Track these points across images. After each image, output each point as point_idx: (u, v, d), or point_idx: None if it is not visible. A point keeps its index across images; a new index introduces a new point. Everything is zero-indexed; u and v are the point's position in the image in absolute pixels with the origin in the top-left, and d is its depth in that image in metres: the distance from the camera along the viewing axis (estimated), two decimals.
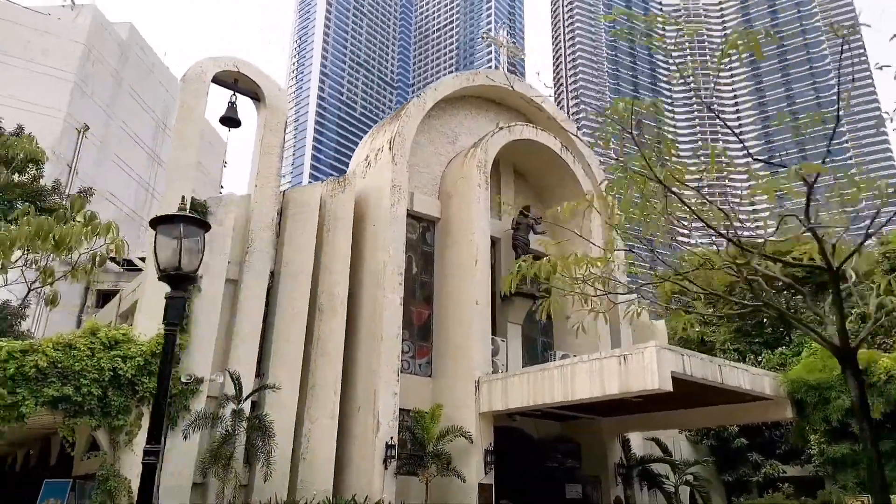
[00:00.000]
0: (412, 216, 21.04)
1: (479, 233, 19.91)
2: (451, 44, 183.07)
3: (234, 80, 19.86)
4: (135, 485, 14.49)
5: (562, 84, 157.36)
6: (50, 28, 36.78)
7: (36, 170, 22.43)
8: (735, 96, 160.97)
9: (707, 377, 14.82)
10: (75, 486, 16.13)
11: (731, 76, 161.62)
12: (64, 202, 23.79)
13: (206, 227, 6.16)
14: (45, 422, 14.70)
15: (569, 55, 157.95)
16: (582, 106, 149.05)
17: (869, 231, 5.82)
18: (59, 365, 14.16)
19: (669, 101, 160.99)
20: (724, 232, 6.33)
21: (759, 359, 29.34)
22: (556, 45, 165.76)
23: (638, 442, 22.76)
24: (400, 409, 17.81)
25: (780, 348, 30.51)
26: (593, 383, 15.00)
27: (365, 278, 19.19)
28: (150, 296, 16.28)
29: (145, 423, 15.15)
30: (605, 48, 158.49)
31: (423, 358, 19.97)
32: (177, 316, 5.93)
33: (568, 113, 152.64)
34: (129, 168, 41.18)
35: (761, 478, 24.80)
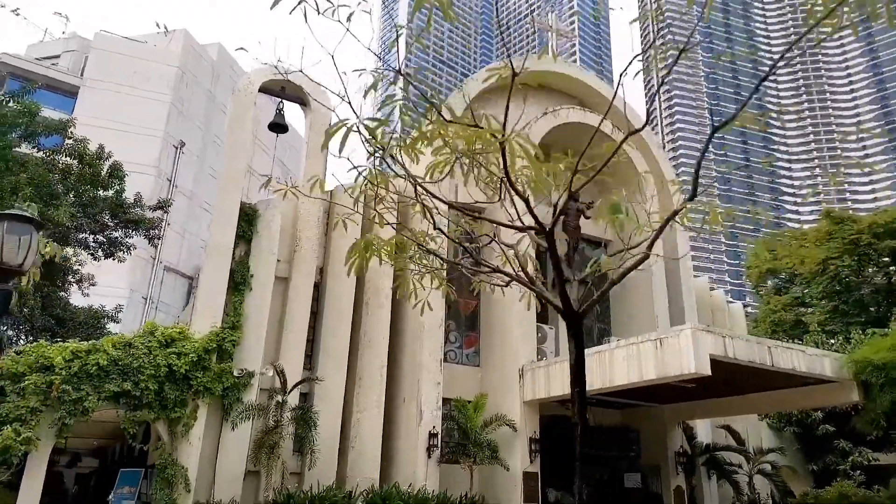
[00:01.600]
0: (456, 208, 21.03)
1: (525, 220, 19.64)
2: (533, 34, 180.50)
3: (282, 88, 20.66)
4: (191, 473, 15.55)
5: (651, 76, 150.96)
6: (146, 55, 39.66)
7: (119, 185, 24.31)
8: (844, 53, 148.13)
9: (754, 360, 13.96)
10: (147, 475, 17.49)
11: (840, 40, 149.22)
12: (146, 212, 25.77)
13: (39, 225, 6.30)
14: (110, 416, 15.98)
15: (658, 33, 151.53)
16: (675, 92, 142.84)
17: None
18: (120, 363, 15.40)
19: (774, 82, 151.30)
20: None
21: (850, 339, 27.17)
22: (644, 28, 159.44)
23: (706, 430, 21.76)
24: (447, 399, 18.02)
25: (878, 328, 28.12)
26: (630, 369, 14.53)
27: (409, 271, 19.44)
28: (204, 296, 17.32)
29: (201, 415, 16.23)
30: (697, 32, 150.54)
31: (471, 348, 20.03)
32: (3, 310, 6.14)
33: (660, 100, 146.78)
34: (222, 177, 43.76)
35: (849, 466, 23.01)
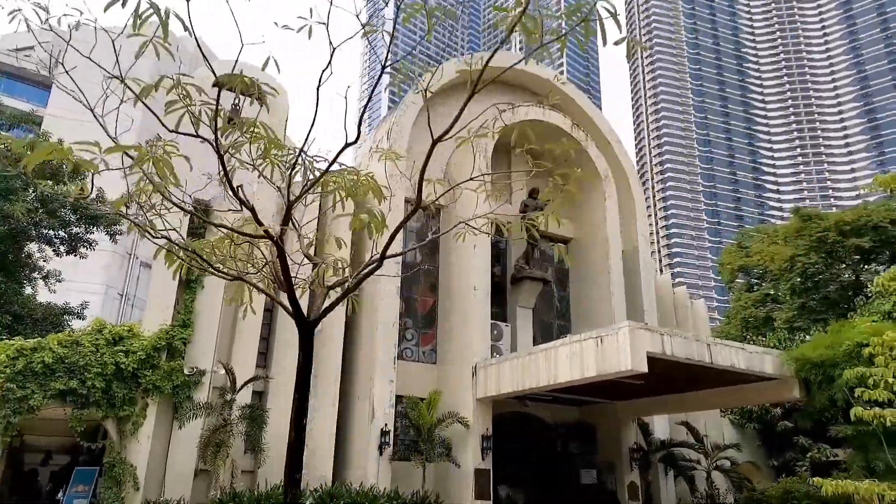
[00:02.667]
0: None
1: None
2: (518, 35, 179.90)
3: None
4: (140, 472, 15.53)
5: (637, 66, 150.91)
6: (120, 45, 39.32)
7: (80, 180, 24.14)
8: (826, 40, 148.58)
9: (692, 357, 14.11)
10: (102, 473, 17.42)
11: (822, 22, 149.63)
12: (108, 207, 25.53)
13: None
14: (58, 414, 15.90)
15: (644, 38, 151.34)
16: (658, 65, 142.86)
17: None
18: (66, 360, 15.33)
19: (756, 64, 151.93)
20: None
21: (811, 335, 27.49)
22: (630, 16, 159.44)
23: (664, 426, 21.98)
24: (402, 397, 18.08)
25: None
26: (573, 366, 14.64)
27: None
28: (155, 294, 17.27)
29: (151, 413, 16.18)
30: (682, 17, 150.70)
31: (428, 345, 20.10)
32: None
33: (643, 76, 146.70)
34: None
35: (808, 462, 23.31)
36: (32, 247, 25.05)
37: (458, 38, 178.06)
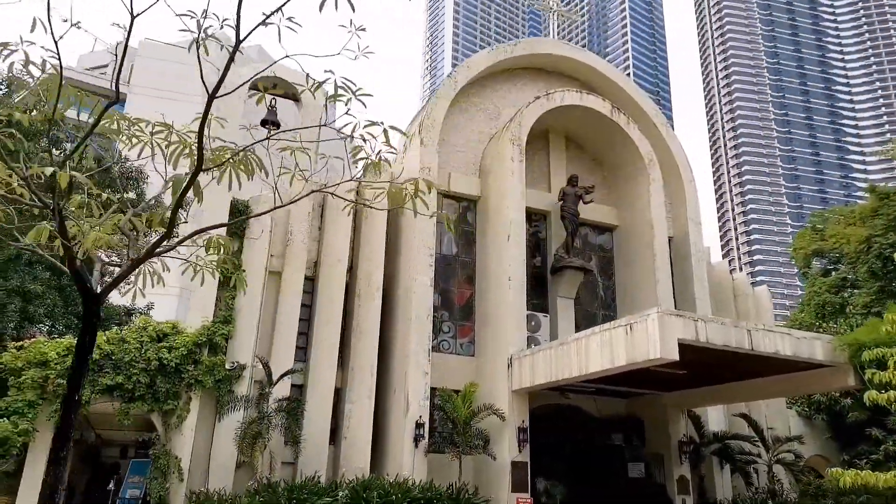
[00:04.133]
0: (451, 196, 21.04)
1: (513, 208, 19.38)
2: (583, 14, 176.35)
3: (274, 85, 21.04)
4: (184, 463, 16.14)
5: (709, 56, 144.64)
6: (187, 59, 41.10)
7: (136, 188, 25.40)
8: None
9: (730, 344, 13.34)
10: None
11: None
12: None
13: None
14: (108, 409, 16.73)
15: (714, 14, 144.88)
16: (735, 76, 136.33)
17: None
18: (113, 357, 16.12)
19: (836, 36, 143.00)
20: None
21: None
22: (700, 11, 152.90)
23: (719, 418, 20.97)
24: (439, 389, 18.00)
25: None
26: (604, 355, 14.15)
27: (401, 262, 19.54)
28: (200, 291, 17.87)
29: (194, 407, 16.79)
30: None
31: (465, 338, 19.93)
32: None
33: (714, 56, 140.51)
34: (264, 181, 45.08)
35: (882, 455, 21.68)
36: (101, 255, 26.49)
37: (519, 22, 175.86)
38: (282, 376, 16.77)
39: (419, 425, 16.94)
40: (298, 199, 4.87)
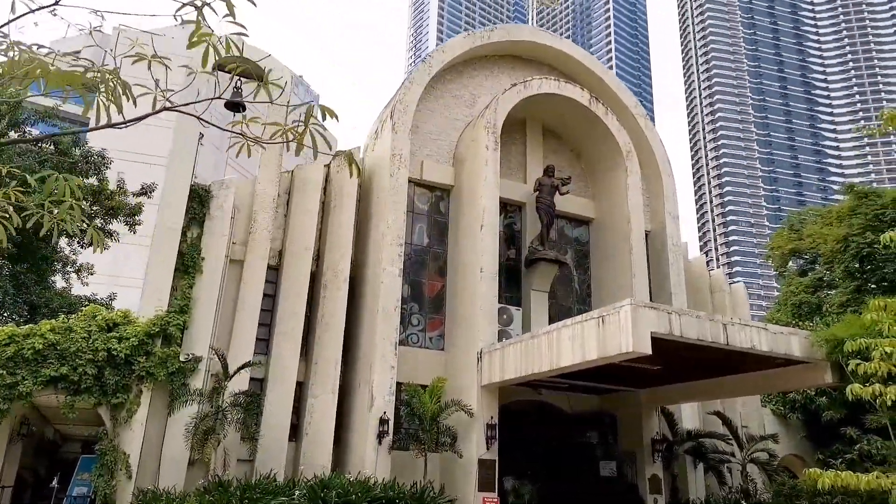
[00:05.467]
0: (423, 185, 20.33)
1: (487, 197, 18.72)
2: (567, 11, 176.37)
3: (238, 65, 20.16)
4: (133, 459, 15.26)
5: (691, 57, 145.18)
6: (164, 48, 39.79)
7: (98, 174, 24.40)
8: (893, 14, 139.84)
9: (705, 338, 12.80)
10: None
11: None
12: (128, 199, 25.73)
13: None
14: (52, 401, 15.80)
15: (696, 14, 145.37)
16: (716, 78, 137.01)
17: None
18: (58, 347, 15.18)
19: (810, 6, 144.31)
20: None
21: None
22: (683, 10, 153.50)
23: (693, 416, 20.51)
24: (406, 384, 17.31)
25: None
26: (575, 349, 13.54)
27: (370, 252, 18.80)
28: (151, 280, 17.01)
29: (145, 400, 15.91)
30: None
31: (436, 331, 19.24)
32: None
33: (696, 57, 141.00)
34: (245, 169, 44.00)
35: (856, 454, 21.39)
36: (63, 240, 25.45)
37: (503, 13, 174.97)
38: (239, 369, 15.95)
39: (383, 421, 16.22)
40: (145, 118, 4.04)
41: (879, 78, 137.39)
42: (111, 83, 3.51)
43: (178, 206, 17.47)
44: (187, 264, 17.28)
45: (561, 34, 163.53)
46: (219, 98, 3.87)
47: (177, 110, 3.73)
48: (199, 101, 3.80)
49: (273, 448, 16.43)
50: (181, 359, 16.30)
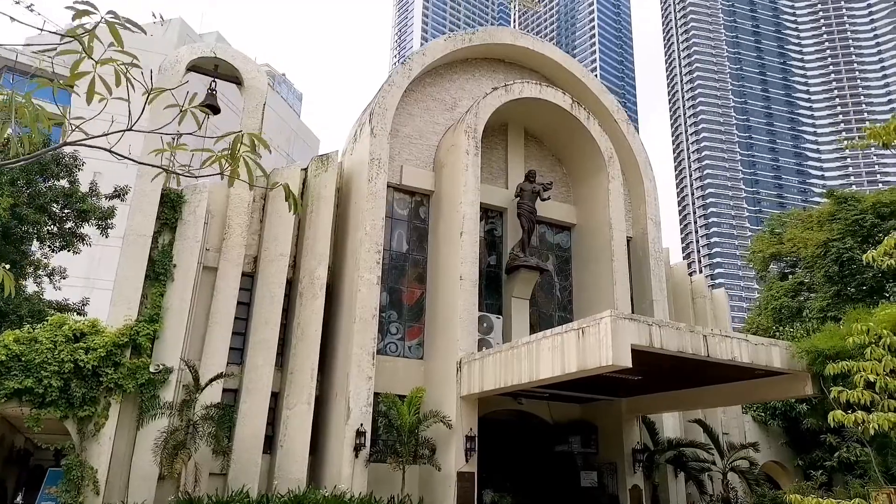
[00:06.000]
0: (403, 190, 20.00)
1: (466, 203, 18.41)
2: (552, 14, 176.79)
3: (215, 67, 19.72)
4: (101, 474, 14.75)
5: (674, 61, 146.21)
6: (141, 45, 38.92)
7: (69, 176, 23.81)
8: (872, 21, 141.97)
9: (685, 350, 12.60)
10: None
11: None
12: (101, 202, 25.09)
13: None
14: (15, 414, 15.26)
15: (679, 18, 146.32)
16: (699, 82, 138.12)
17: None
18: (23, 358, 14.63)
19: (792, 11, 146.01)
20: None
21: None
22: (666, 14, 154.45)
23: (675, 425, 20.38)
24: (384, 394, 16.95)
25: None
26: (555, 361, 13.27)
27: (347, 259, 18.43)
28: (120, 288, 16.49)
29: (113, 413, 15.39)
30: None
31: (414, 340, 18.90)
32: None
33: (679, 61, 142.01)
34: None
35: (836, 462, 21.40)
36: (35, 244, 24.83)
37: (490, 8, 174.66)
38: (211, 381, 15.49)
39: (360, 433, 15.85)
40: (43, 153, 3.69)
41: (860, 81, 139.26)
42: (26, 109, 3.14)
43: (149, 211, 16.96)
44: (158, 271, 16.78)
45: (545, 38, 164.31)
46: (130, 129, 3.46)
47: (82, 145, 3.35)
48: (112, 133, 3.42)
49: (246, 462, 16.00)
50: (151, 370, 15.79)
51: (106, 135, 3.38)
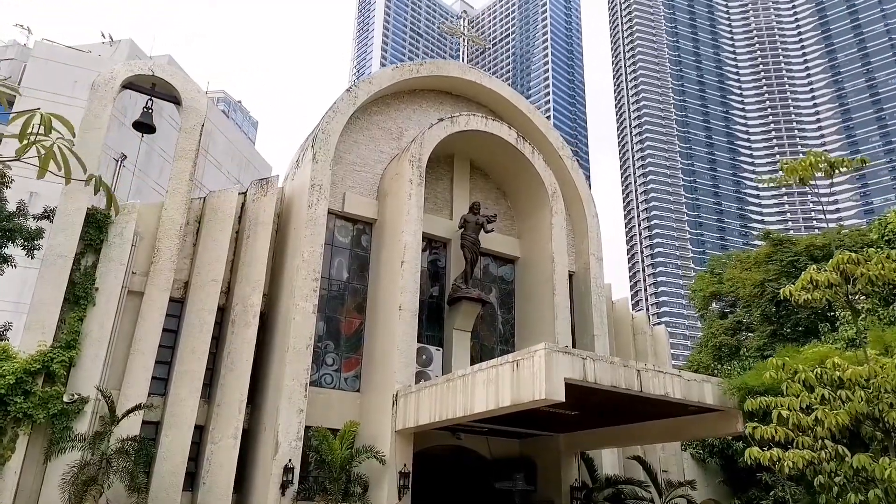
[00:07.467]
0: (345, 217, 19.63)
1: (409, 233, 18.15)
2: (508, 57, 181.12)
3: (152, 85, 19.14)
4: None
5: (621, 74, 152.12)
6: (88, 64, 37.59)
7: None
8: (802, 46, 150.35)
9: (619, 384, 12.46)
10: None
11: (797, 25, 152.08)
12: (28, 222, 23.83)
13: None
14: None
15: (629, 66, 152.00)
16: (643, 94, 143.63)
17: None
18: None
19: (734, 65, 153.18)
20: None
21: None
22: (614, 30, 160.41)
23: (614, 461, 20.23)
24: (315, 428, 16.27)
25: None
26: (489, 394, 12.96)
27: (283, 286, 17.85)
28: (35, 311, 15.51)
29: (21, 445, 14.30)
30: (663, 20, 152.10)
31: (351, 371, 18.33)
32: None
33: (629, 107, 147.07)
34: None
35: (771, 501, 21.52)
36: None
37: (448, 46, 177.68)
38: (128, 412, 14.58)
39: (288, 469, 15.12)
40: None
41: (797, 131, 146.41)
42: None
43: (71, 231, 16.12)
44: (79, 295, 15.87)
45: (501, 77, 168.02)
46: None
47: None
48: None
49: (164, 499, 15.03)
50: (65, 399, 14.79)
51: None
